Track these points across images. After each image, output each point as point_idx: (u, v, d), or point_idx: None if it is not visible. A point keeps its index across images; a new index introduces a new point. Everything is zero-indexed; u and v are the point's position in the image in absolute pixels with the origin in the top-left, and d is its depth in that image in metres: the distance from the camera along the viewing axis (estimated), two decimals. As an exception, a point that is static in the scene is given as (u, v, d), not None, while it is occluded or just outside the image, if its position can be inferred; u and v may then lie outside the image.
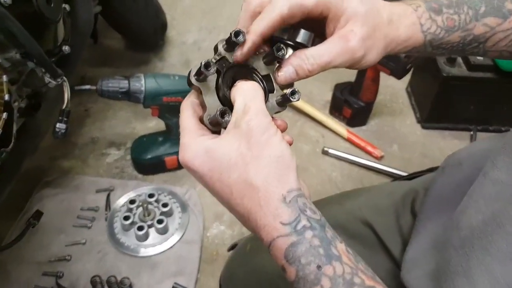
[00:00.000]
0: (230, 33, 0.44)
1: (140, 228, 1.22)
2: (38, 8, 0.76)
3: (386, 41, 0.49)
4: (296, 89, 0.46)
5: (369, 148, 1.48)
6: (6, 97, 0.77)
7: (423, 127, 1.62)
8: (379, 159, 1.48)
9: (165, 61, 1.81)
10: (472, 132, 1.58)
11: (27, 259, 1.18)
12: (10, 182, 0.99)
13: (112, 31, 1.69)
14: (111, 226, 1.27)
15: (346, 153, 1.47)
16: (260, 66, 0.49)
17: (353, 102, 1.51)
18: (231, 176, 0.40)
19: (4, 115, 0.77)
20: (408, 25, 0.50)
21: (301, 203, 0.39)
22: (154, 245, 1.22)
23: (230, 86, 0.46)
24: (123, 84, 1.16)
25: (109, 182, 1.38)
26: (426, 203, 0.67)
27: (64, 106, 0.87)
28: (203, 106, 0.46)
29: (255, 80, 0.48)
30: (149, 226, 1.24)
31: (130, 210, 1.29)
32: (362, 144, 1.49)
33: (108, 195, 1.34)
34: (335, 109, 1.59)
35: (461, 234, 0.45)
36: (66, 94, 0.85)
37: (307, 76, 0.48)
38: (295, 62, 0.47)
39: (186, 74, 0.46)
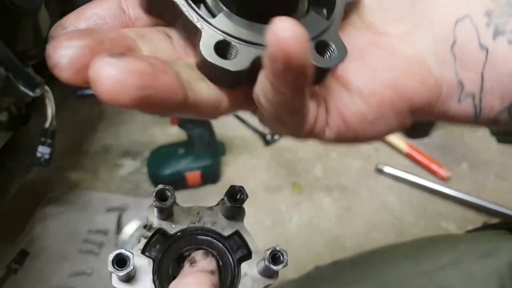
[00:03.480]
0: (153, 193, 0.32)
1: (155, 260, 1.03)
2: (5, -7, 0.55)
3: None
4: (278, 247, 0.31)
5: (434, 167, 1.22)
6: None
7: (499, 141, 1.32)
8: (445, 180, 1.22)
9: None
10: None
11: (24, 292, 1.03)
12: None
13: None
14: (121, 254, 1.08)
15: (405, 171, 1.21)
16: (221, 223, 0.34)
17: (415, 109, 1.25)
18: None
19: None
20: None
21: None
22: (171, 281, 1.02)
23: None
24: (135, 88, 0.95)
25: (121, 199, 1.21)
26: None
27: (47, 125, 0.66)
28: None
29: (212, 254, 0.33)
30: (166, 258, 1.04)
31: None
32: (425, 161, 1.23)
33: (120, 216, 1.16)
34: (391, 117, 1.32)
35: None
36: (50, 109, 0.64)
37: None
38: None
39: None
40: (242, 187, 0.33)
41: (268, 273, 0.32)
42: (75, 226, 1.15)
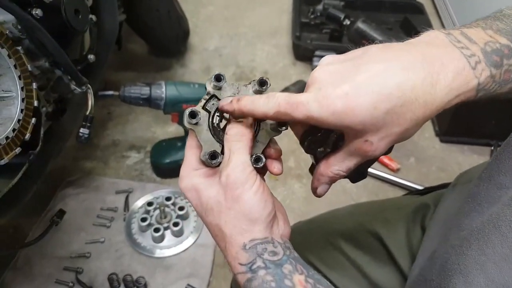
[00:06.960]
0: (211, 77, 0.47)
1: (157, 230, 1.26)
2: (67, 20, 0.80)
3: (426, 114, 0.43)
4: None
5: (386, 160, 1.48)
6: (35, 103, 0.81)
7: (442, 141, 1.60)
8: (395, 171, 1.48)
9: (186, 67, 1.84)
10: (492, 148, 1.56)
11: (49, 254, 1.23)
12: (36, 182, 1.03)
13: (135, 36, 1.73)
14: (129, 226, 1.31)
15: (361, 164, 1.47)
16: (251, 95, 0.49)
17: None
18: (209, 217, 0.46)
19: (33, 120, 0.82)
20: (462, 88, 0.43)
21: (261, 249, 0.44)
22: (169, 247, 1.26)
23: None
24: (145, 90, 1.19)
25: (128, 184, 1.42)
26: (434, 219, 0.67)
27: (88, 112, 0.91)
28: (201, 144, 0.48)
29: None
30: (165, 228, 1.28)
31: (147, 212, 1.33)
32: (378, 155, 1.48)
33: (127, 197, 1.38)
34: (353, 119, 1.58)
35: (460, 234, 0.46)
36: (90, 101, 0.89)
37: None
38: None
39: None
40: (268, 78, 0.48)
41: (274, 130, 0.49)
42: (89, 204, 1.35)
